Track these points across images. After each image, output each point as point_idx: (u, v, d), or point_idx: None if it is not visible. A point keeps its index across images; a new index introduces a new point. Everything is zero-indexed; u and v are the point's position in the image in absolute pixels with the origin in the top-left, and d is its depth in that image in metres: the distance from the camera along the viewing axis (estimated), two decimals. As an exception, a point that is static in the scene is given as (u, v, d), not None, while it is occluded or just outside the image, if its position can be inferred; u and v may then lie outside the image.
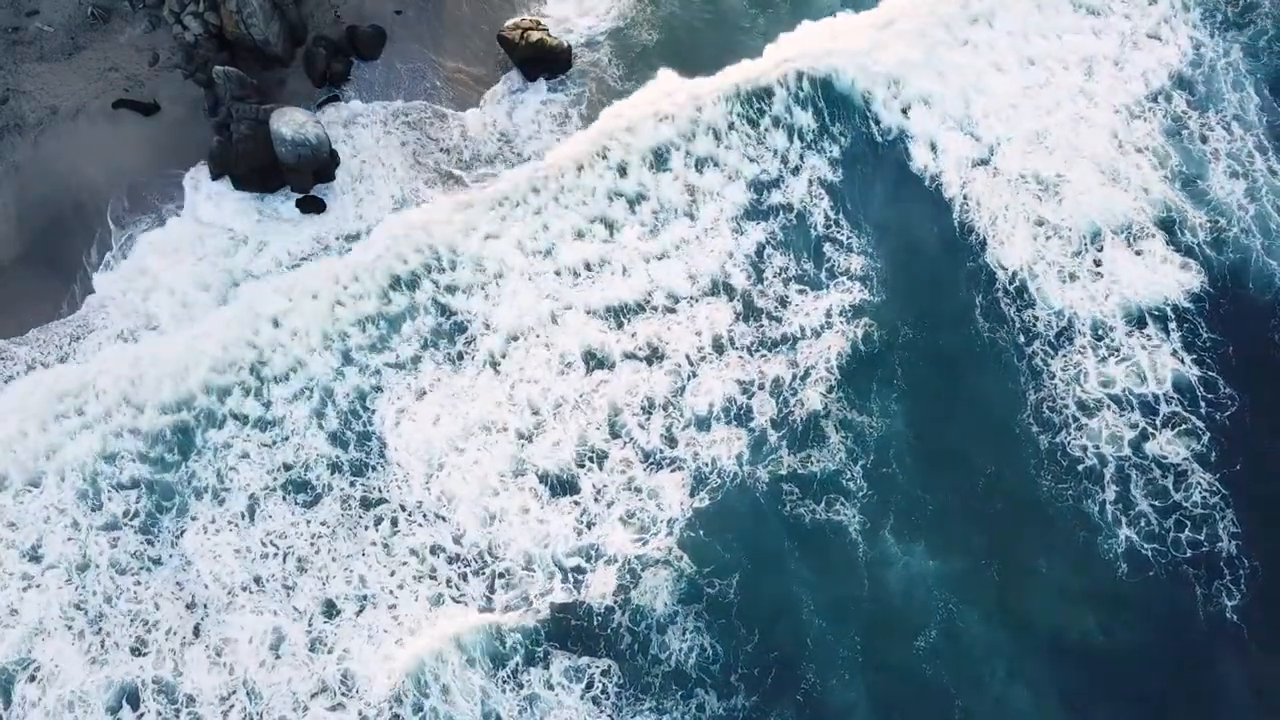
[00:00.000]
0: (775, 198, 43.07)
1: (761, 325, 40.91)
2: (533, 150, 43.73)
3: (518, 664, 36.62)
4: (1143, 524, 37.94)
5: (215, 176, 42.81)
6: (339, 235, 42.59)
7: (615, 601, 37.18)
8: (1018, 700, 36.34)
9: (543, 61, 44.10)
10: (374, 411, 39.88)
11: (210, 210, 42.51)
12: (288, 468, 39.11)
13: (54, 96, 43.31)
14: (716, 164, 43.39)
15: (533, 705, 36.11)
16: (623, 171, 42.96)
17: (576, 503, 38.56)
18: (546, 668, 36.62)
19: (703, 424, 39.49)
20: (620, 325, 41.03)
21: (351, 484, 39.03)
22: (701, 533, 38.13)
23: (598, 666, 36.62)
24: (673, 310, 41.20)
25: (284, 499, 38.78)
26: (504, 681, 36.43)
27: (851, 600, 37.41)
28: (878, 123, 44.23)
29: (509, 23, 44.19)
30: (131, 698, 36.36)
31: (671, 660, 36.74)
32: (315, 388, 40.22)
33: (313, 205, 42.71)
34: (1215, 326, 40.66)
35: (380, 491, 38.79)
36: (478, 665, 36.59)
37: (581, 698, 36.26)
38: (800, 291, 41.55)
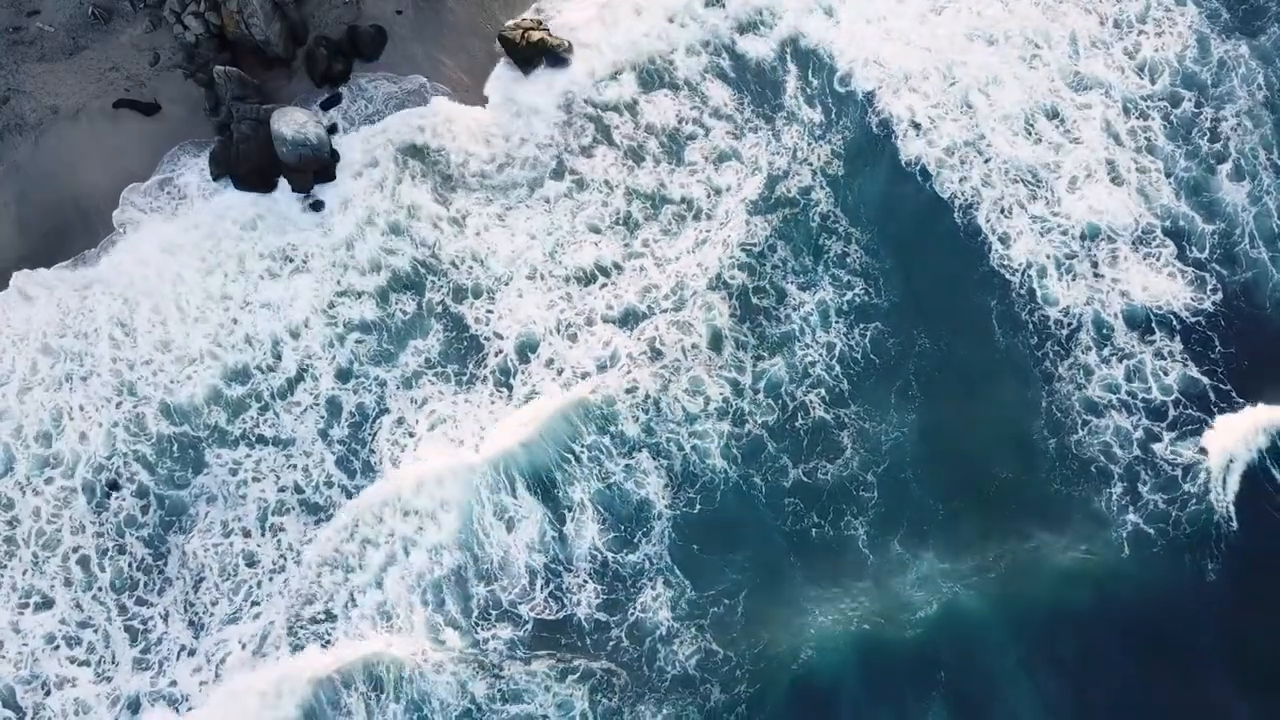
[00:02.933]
0: (753, 179, 42.70)
1: (761, 325, 40.64)
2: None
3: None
4: (1150, 514, 37.75)
5: (216, 176, 42.63)
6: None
7: (613, 618, 37.19)
8: (1022, 697, 36.29)
9: (543, 61, 43.63)
10: (375, 435, 39.67)
11: (204, 206, 42.46)
12: (299, 490, 39.06)
13: (55, 96, 43.19)
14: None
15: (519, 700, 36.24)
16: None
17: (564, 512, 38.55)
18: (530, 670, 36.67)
19: (698, 423, 39.27)
20: (627, 323, 40.84)
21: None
22: (696, 546, 38.02)
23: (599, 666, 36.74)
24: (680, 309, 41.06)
25: (296, 516, 38.76)
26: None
27: (857, 597, 37.33)
28: (861, 102, 43.71)
29: (509, 22, 43.85)
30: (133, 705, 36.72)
31: (677, 667, 36.70)
32: (320, 403, 40.08)
33: (313, 205, 42.39)
34: (1222, 322, 40.33)
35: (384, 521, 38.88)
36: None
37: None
38: (801, 289, 41.26)
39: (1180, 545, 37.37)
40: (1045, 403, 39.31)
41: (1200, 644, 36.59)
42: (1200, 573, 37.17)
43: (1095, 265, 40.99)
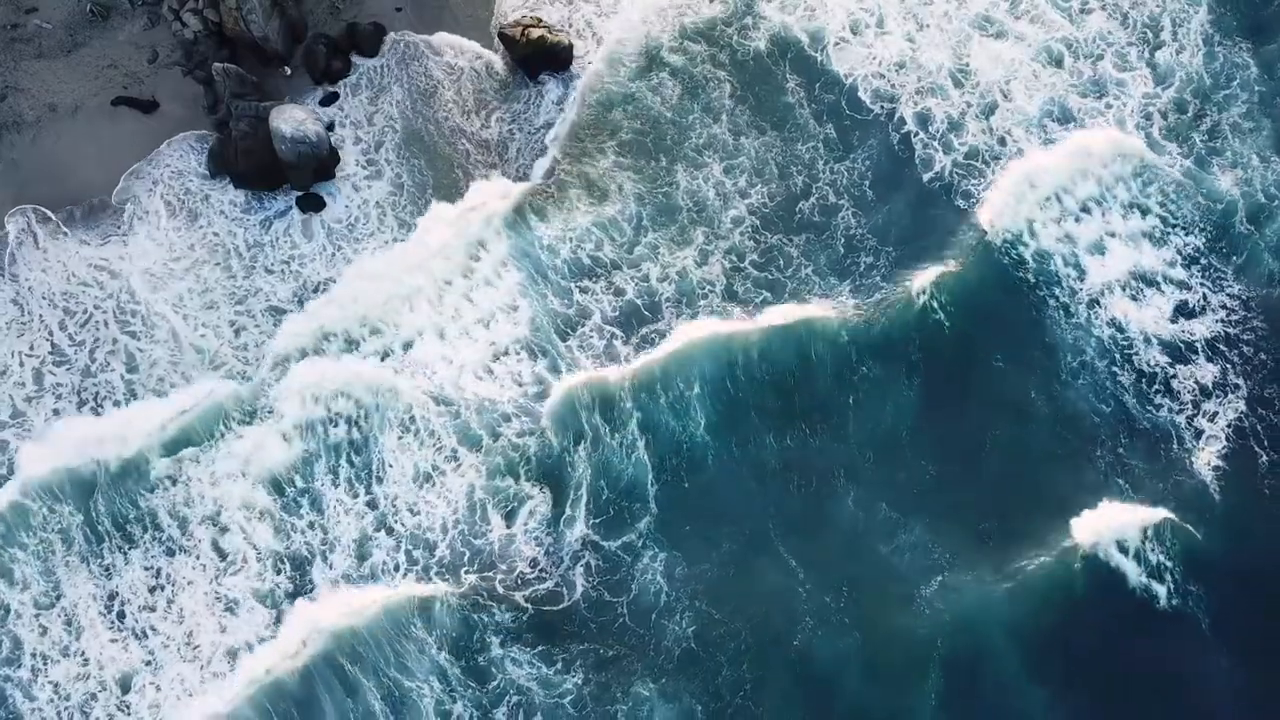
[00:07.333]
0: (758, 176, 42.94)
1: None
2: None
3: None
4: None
5: (214, 174, 42.56)
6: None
7: (613, 598, 37.23)
8: (1008, 667, 36.45)
9: (543, 59, 43.74)
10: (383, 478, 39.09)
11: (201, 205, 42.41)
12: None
13: (52, 94, 43.05)
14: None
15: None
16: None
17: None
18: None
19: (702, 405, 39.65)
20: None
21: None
22: (687, 525, 38.14)
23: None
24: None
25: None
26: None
27: (847, 569, 37.56)
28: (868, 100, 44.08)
29: (509, 20, 43.88)
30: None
31: (670, 640, 36.65)
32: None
33: (313, 203, 42.41)
34: (1224, 311, 40.95)
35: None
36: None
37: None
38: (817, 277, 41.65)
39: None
40: (1065, 377, 39.89)
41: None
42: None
43: (1103, 259, 41.47)
